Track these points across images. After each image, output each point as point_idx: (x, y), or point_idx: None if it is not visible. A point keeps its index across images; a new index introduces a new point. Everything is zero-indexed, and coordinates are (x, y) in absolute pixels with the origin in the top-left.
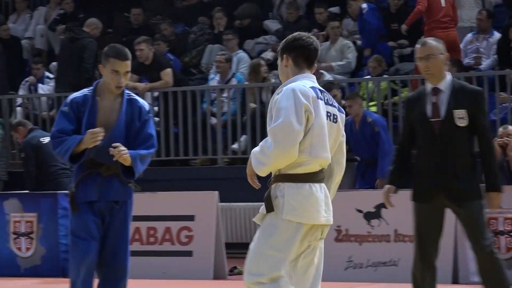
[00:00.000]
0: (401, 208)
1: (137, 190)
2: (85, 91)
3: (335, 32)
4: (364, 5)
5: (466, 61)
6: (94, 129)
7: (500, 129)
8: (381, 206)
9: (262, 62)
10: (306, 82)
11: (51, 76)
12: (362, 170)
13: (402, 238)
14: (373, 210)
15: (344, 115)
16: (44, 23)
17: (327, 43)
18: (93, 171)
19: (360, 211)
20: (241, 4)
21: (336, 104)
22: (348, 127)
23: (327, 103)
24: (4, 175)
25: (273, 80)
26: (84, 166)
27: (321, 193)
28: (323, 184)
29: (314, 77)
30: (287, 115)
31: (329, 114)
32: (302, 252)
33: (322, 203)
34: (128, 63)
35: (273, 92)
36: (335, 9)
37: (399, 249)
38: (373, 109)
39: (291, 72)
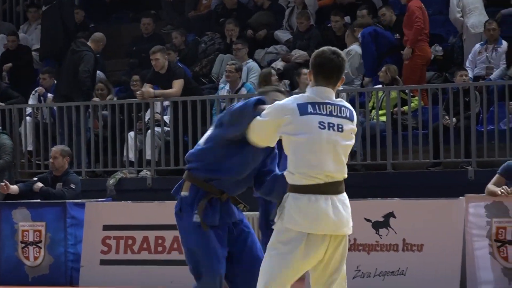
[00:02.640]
0: (409, 217)
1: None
2: None
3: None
4: (361, 33)
5: (476, 71)
6: None
7: None
8: (389, 215)
9: (273, 71)
10: (300, 97)
11: None
12: None
13: (410, 247)
14: (381, 219)
15: (354, 122)
16: None
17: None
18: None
19: (368, 220)
20: (252, 14)
21: (346, 113)
22: None
23: (329, 115)
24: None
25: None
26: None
27: (326, 204)
28: (333, 196)
29: (328, 90)
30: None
31: (331, 124)
32: (326, 264)
33: (324, 214)
34: None
35: None
36: (346, 19)
37: (407, 259)
38: (383, 118)
39: (310, 87)
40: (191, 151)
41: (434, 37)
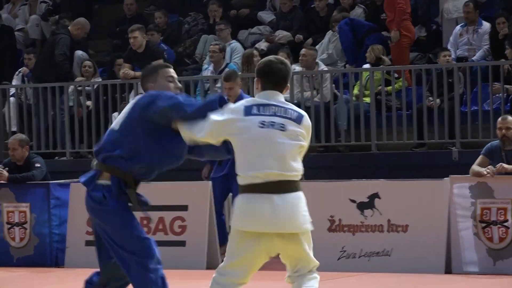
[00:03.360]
0: (394, 198)
1: None
2: None
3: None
4: (338, 25)
5: (459, 53)
6: None
7: (499, 120)
8: (374, 196)
9: (256, 52)
10: (250, 101)
11: None
12: None
13: (395, 228)
14: (366, 200)
15: (301, 125)
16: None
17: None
18: None
19: (353, 201)
20: None
21: (292, 115)
22: None
23: (273, 115)
24: None
25: None
26: None
27: (261, 203)
28: (272, 195)
29: (275, 92)
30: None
31: (272, 123)
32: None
33: (258, 213)
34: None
35: None
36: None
37: (392, 240)
38: (367, 99)
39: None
40: (107, 138)
41: (417, 18)
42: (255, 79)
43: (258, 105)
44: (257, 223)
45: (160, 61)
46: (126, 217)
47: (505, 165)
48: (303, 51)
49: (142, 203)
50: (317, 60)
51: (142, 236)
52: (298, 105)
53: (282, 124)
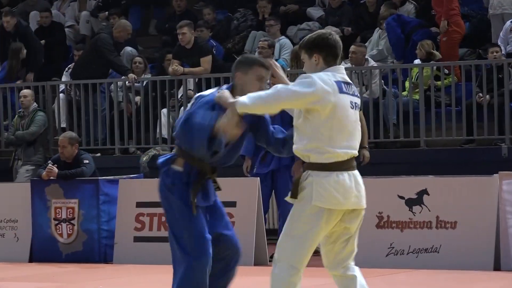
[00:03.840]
0: (443, 195)
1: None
2: None
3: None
4: (385, 22)
5: (509, 48)
6: None
7: None
8: (423, 192)
9: None
10: (330, 76)
11: None
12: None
13: (444, 224)
14: (415, 196)
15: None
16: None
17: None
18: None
19: (401, 197)
20: None
21: (357, 92)
22: None
23: (353, 95)
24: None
25: None
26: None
27: (350, 180)
28: (353, 172)
29: (342, 67)
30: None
31: (352, 104)
32: (339, 235)
33: (350, 190)
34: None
35: None
36: None
37: (440, 236)
38: (416, 95)
39: (319, 69)
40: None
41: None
42: (309, 55)
43: (344, 83)
44: (350, 200)
45: (262, 58)
46: (188, 214)
47: None
48: (352, 48)
49: (200, 200)
50: (366, 57)
51: (196, 234)
52: None
53: (358, 105)
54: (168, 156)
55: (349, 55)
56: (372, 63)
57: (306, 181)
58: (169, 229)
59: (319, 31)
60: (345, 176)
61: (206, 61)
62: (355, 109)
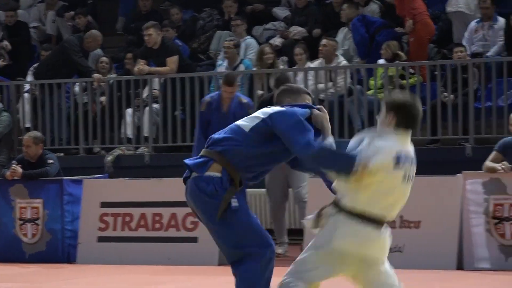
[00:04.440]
0: None
1: None
2: None
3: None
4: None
5: (474, 48)
6: None
7: (511, 116)
8: None
9: (267, 49)
10: (395, 146)
11: None
12: None
13: (408, 224)
14: None
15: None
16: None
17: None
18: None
19: None
20: None
21: (413, 156)
22: (214, 107)
23: (411, 163)
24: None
25: (281, 66)
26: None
27: (375, 231)
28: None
29: (409, 136)
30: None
31: (410, 177)
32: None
33: (376, 238)
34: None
35: None
36: None
37: (404, 235)
38: (381, 95)
39: (388, 128)
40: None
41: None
42: (387, 111)
43: (404, 153)
44: (372, 249)
45: (305, 88)
46: (241, 214)
47: None
48: (323, 41)
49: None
50: (337, 53)
51: (258, 228)
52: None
53: (413, 175)
54: (199, 160)
55: (319, 48)
56: (341, 59)
57: (333, 219)
58: (216, 232)
59: (408, 97)
60: (373, 226)
61: (173, 61)
62: (409, 182)
